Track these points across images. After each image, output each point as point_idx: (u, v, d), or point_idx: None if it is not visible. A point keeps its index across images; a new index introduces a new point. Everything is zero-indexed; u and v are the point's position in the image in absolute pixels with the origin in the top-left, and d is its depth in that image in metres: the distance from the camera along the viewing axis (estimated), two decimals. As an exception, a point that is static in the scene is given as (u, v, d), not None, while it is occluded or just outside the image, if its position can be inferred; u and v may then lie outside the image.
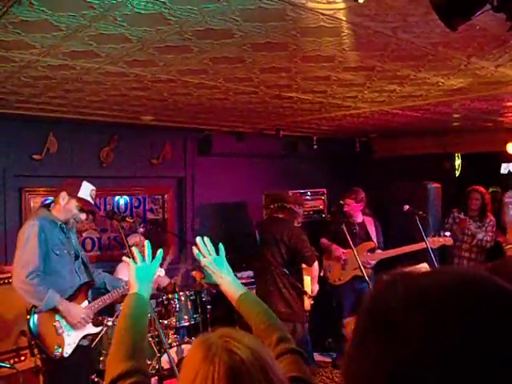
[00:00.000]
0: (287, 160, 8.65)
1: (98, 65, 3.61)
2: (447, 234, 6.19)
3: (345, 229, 5.02)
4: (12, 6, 2.48)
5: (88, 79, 4.06)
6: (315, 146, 8.41)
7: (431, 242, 5.81)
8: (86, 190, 4.25)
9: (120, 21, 2.68)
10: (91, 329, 4.21)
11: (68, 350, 4.00)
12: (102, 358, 5.28)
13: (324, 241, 6.67)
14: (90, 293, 4.29)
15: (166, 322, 5.52)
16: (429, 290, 0.82)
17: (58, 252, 4.07)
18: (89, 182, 6.67)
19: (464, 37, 3.01)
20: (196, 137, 7.70)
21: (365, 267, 5.98)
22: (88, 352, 4.26)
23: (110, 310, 6.00)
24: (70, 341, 4.03)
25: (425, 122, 6.81)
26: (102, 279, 4.62)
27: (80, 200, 4.20)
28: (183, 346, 5.10)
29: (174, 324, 5.55)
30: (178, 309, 5.69)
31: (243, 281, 6.98)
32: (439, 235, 6.08)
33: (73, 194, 4.19)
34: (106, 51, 3.26)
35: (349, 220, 6.42)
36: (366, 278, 4.72)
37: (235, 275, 6.89)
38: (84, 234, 6.94)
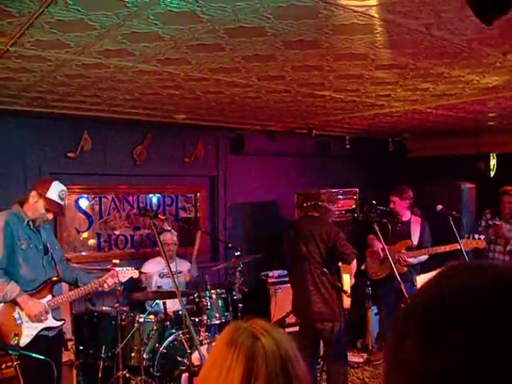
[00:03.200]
0: (319, 159, 8.62)
1: (131, 63, 3.64)
2: (482, 237, 6.10)
3: (376, 228, 4.98)
4: (48, 6, 2.52)
5: (121, 78, 4.11)
6: (348, 146, 8.37)
7: (464, 244, 5.75)
8: (55, 191, 4.30)
9: (153, 19, 2.70)
10: (52, 322, 4.32)
11: (25, 340, 4.12)
12: (133, 354, 5.35)
13: (371, 236, 6.67)
14: (55, 288, 4.42)
15: (197, 319, 5.56)
16: (476, 291, 0.76)
17: (23, 246, 4.20)
18: (122, 180, 6.87)
19: (500, 33, 2.96)
20: (228, 136, 7.72)
21: (400, 264, 5.95)
22: (52, 342, 4.36)
23: (141, 308, 6.07)
24: (28, 332, 4.16)
25: (459, 122, 6.72)
26: (74, 275, 4.70)
27: (47, 200, 4.26)
28: (214, 344, 5.13)
29: (205, 322, 5.58)
30: (209, 307, 5.71)
31: (273, 280, 6.98)
32: (473, 238, 6.00)
33: (42, 194, 4.27)
34: (139, 50, 3.29)
35: (394, 218, 6.45)
36: (398, 277, 4.66)
37: (266, 274, 6.89)
38: (117, 232, 7.02)
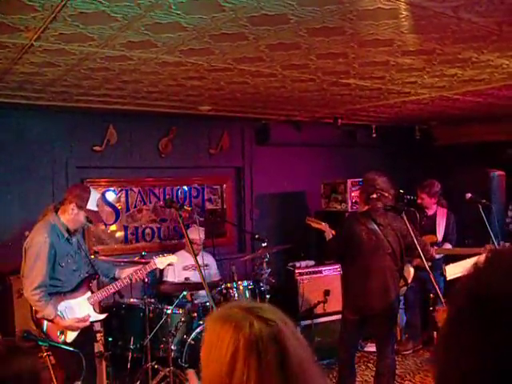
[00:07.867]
0: (346, 149, 8.55)
1: (154, 55, 3.63)
2: (507, 244, 6.02)
3: (404, 217, 4.86)
4: (70, -2, 2.52)
5: (145, 70, 4.10)
6: (374, 135, 8.28)
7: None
8: (93, 201, 4.47)
9: (175, 9, 2.68)
10: (95, 317, 4.56)
11: (71, 337, 4.34)
12: (161, 346, 5.37)
13: None
14: (92, 284, 4.62)
15: (224, 311, 5.55)
16: None
17: (63, 264, 4.37)
18: (148, 172, 6.89)
19: (531, 15, 2.88)
20: (253, 126, 7.70)
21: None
22: (82, 331, 4.47)
23: (168, 299, 6.09)
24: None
25: (487, 108, 6.59)
26: (105, 269, 4.89)
27: (88, 212, 4.44)
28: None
29: (232, 313, 5.57)
30: (236, 298, 5.71)
31: (301, 270, 6.92)
32: (498, 244, 5.86)
33: (82, 206, 4.41)
34: (162, 41, 3.28)
35: (420, 211, 6.39)
36: (427, 268, 4.58)
37: (294, 264, 6.74)
38: (144, 225, 7.05)
